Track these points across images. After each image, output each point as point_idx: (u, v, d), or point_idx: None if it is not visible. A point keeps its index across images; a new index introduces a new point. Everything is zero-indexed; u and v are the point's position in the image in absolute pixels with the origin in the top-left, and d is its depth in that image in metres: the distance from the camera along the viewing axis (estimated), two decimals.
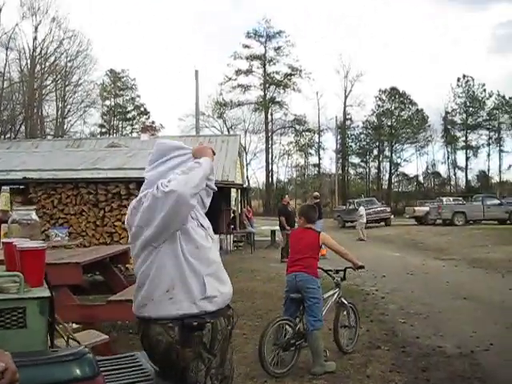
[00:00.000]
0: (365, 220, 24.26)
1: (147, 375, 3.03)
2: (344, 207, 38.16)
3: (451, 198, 36.01)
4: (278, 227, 17.08)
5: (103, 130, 62.44)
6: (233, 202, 23.98)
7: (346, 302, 6.10)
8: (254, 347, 6.06)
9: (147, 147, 19.07)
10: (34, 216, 2.85)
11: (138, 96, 65.13)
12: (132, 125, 65.36)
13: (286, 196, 19.71)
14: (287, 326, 5.45)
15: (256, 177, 63.78)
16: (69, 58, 48.57)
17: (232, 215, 22.32)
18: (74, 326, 5.78)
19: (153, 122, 62.39)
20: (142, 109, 65.29)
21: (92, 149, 22.75)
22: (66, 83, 50.22)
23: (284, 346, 5.39)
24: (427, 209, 32.95)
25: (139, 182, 12.70)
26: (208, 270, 2.75)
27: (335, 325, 5.92)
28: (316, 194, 18.72)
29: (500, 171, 62.06)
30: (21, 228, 2.72)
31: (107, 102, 63.15)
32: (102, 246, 11.20)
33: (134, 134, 52.88)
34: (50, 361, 1.57)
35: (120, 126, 65.60)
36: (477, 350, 5.96)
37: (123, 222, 13.04)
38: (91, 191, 12.88)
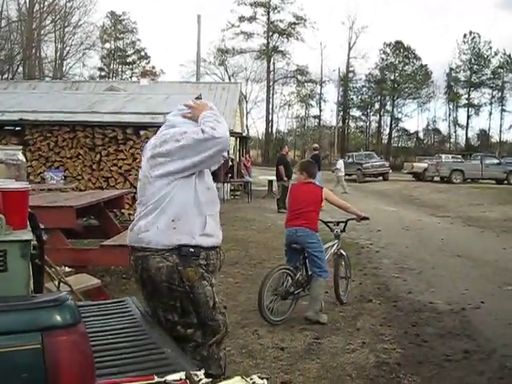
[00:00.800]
0: (343, 173, 23.99)
1: (135, 321, 3.01)
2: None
3: (450, 156, 35.90)
4: (275, 177, 17.03)
5: (102, 73, 61.59)
6: (231, 151, 23.85)
7: (344, 254, 6.17)
8: (247, 296, 6.09)
9: (146, 92, 18.84)
10: (20, 156, 2.76)
11: (139, 40, 64.04)
12: (132, 69, 64.49)
13: (286, 146, 19.53)
14: (288, 276, 5.51)
15: (256, 126, 63.42)
16: None
17: (230, 164, 22.23)
18: (67, 269, 5.75)
19: (153, 67, 61.58)
20: (143, 53, 64.29)
21: (90, 92, 22.45)
22: (66, 24, 49.14)
23: (283, 294, 5.44)
24: (426, 165, 32.87)
25: (136, 126, 12.61)
26: (211, 212, 3.05)
27: (335, 276, 5.98)
28: (315, 145, 18.61)
29: (500, 131, 61.79)
30: (6, 168, 2.63)
31: (107, 45, 62.07)
32: (98, 190, 11.14)
33: (134, 79, 52.10)
34: (28, 307, 1.52)
35: (120, 69, 64.73)
36: (468, 308, 5.99)
37: (119, 167, 13.07)
38: (88, 135, 12.73)
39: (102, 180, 12.69)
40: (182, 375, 2.03)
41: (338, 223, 6.22)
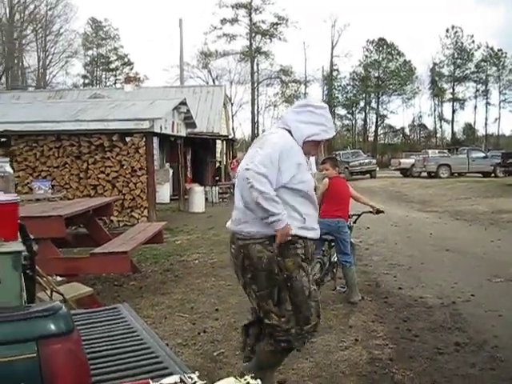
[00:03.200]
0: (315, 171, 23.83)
1: (130, 327, 3.03)
2: None
3: (436, 151, 36.12)
4: None
5: (86, 80, 61.38)
6: (218, 154, 23.87)
7: (353, 242, 6.71)
8: (239, 298, 6.10)
9: (131, 98, 18.80)
10: (8, 168, 2.78)
11: (122, 46, 63.85)
12: (115, 75, 64.26)
13: None
14: (318, 263, 6.08)
15: (242, 128, 63.43)
16: (49, 7, 47.27)
17: (217, 167, 22.26)
18: (58, 278, 5.76)
19: (137, 73, 61.35)
20: (126, 59, 64.09)
21: (74, 100, 22.38)
22: (47, 33, 48.95)
23: (318, 281, 5.77)
24: (412, 161, 33.09)
25: (122, 133, 12.60)
26: (306, 212, 3.34)
27: None
28: None
29: (486, 124, 62.21)
30: None
31: (90, 52, 61.86)
32: (86, 198, 11.12)
33: (118, 85, 51.91)
34: (22, 317, 1.54)
35: (103, 76, 64.52)
36: (458, 301, 6.05)
37: (107, 174, 13.07)
38: (74, 143, 12.73)
39: (89, 188, 12.68)
40: (176, 378, 2.06)
41: (349, 216, 6.55)
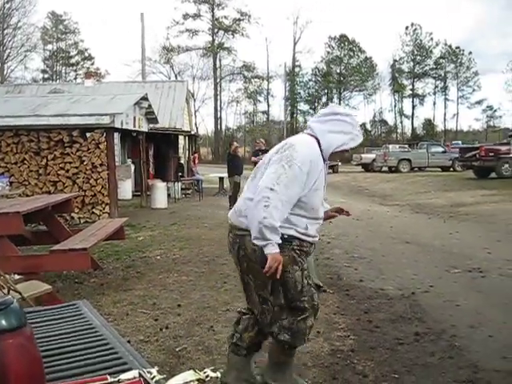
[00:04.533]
0: None
1: (89, 324, 2.99)
2: None
3: (397, 146, 36.64)
4: (226, 174, 17.01)
5: (46, 75, 60.38)
6: (181, 150, 23.72)
7: None
8: (201, 293, 6.10)
9: (91, 93, 18.54)
10: None
11: (82, 41, 63.02)
12: (76, 70, 63.39)
13: (234, 142, 18.90)
14: None
15: (205, 124, 63.30)
16: None
17: (180, 163, 22.12)
18: (17, 277, 5.64)
19: (98, 68, 60.63)
20: (86, 54, 63.29)
21: (33, 95, 21.96)
22: (5, 26, 47.92)
23: None
24: (374, 156, 33.50)
25: (83, 128, 12.41)
26: (310, 216, 3.28)
27: None
28: (258, 140, 18.30)
29: (445, 119, 63.51)
30: None
31: (49, 47, 60.90)
32: (45, 195, 10.93)
33: (79, 80, 51.22)
34: None
35: (63, 71, 63.50)
36: (417, 292, 6.15)
37: (67, 171, 12.85)
38: (33, 139, 12.49)
39: (49, 184, 12.47)
40: (135, 373, 2.05)
41: None
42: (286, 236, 3.14)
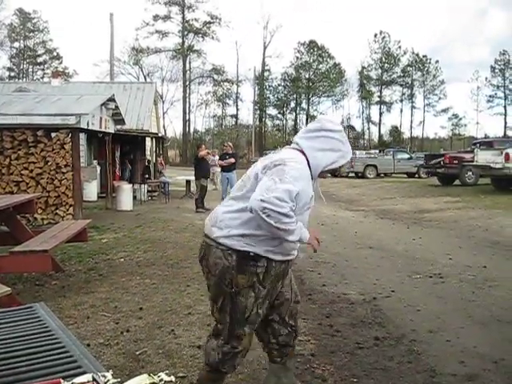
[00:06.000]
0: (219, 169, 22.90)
1: (44, 326, 2.94)
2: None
3: (364, 152, 37.05)
4: (193, 177, 16.95)
5: (12, 73, 59.42)
6: (148, 152, 23.57)
7: None
8: (163, 296, 6.07)
9: (58, 93, 18.27)
10: None
11: (51, 40, 62.24)
12: (43, 69, 62.59)
13: (202, 146, 18.59)
14: None
15: (173, 126, 63.12)
16: None
17: (146, 165, 21.97)
18: None
19: (65, 68, 59.92)
20: (55, 53, 62.47)
21: None
22: None
23: None
24: None
25: (47, 128, 12.23)
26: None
27: None
28: (225, 144, 18.18)
29: (411, 127, 64.51)
30: None
31: (16, 44, 59.94)
32: (7, 195, 10.73)
33: (46, 79, 50.46)
34: None
35: (30, 70, 62.58)
36: (379, 297, 6.22)
37: (31, 171, 12.63)
38: None
39: (12, 185, 12.25)
40: (89, 377, 2.02)
41: None
42: (251, 254, 3.00)
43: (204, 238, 3.19)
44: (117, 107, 16.07)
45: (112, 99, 15.37)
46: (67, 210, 12.35)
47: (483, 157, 19.64)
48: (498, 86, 63.60)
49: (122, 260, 8.24)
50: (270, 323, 3.38)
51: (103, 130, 14.98)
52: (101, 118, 14.52)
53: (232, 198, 3.17)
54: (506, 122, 63.88)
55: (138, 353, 4.39)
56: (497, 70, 63.45)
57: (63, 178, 12.31)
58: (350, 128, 64.64)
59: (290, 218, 2.84)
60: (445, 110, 64.30)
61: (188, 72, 61.42)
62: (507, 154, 18.18)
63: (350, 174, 32.02)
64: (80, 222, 8.50)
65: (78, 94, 15.86)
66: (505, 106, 63.53)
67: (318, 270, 7.75)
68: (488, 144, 23.33)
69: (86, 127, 12.91)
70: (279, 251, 3.08)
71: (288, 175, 2.88)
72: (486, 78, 63.51)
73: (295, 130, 62.83)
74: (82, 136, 15.67)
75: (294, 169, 2.95)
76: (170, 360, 4.27)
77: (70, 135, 12.34)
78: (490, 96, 64.01)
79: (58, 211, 12.31)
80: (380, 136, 64.14)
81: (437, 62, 63.09)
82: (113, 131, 16.42)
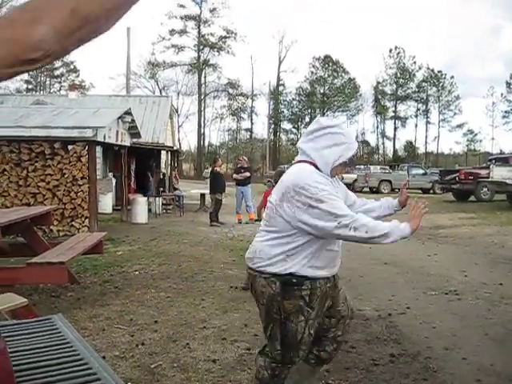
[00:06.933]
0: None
1: (63, 338, 2.97)
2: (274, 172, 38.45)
3: (378, 167, 36.97)
4: (207, 191, 16.99)
5: (29, 86, 60.10)
6: (163, 165, 23.70)
7: None
8: (178, 310, 6.08)
9: (75, 106, 18.47)
10: None
11: None
12: (60, 82, 63.27)
13: (219, 160, 18.37)
14: None
15: (188, 140, 63.38)
16: None
17: (161, 178, 22.09)
18: None
19: (82, 81, 60.56)
20: (72, 66, 63.16)
21: (16, 106, 21.81)
22: None
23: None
24: (355, 176, 33.70)
25: (64, 141, 12.36)
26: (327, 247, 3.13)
27: None
28: (240, 158, 18.19)
29: (426, 142, 64.27)
30: None
31: None
32: (24, 207, 10.83)
33: (63, 92, 51.02)
34: None
35: (47, 83, 63.27)
36: (394, 313, 6.19)
37: (47, 183, 12.74)
38: (14, 150, 12.40)
39: (29, 196, 12.37)
40: None
41: None
42: (294, 280, 3.01)
43: (248, 270, 3.24)
44: (133, 120, 16.22)
45: (128, 112, 15.51)
46: (83, 222, 12.44)
47: (499, 173, 19.54)
48: None
49: (137, 273, 8.27)
50: (321, 338, 3.41)
51: (119, 143, 15.11)
52: (117, 132, 14.65)
53: (263, 230, 3.20)
54: None
55: (153, 366, 4.40)
56: None
57: (79, 190, 12.42)
58: (365, 143, 64.56)
59: (368, 223, 2.96)
60: (460, 126, 64.08)
61: (203, 86, 61.82)
62: None
63: (365, 189, 31.94)
64: (96, 234, 8.56)
65: (95, 107, 16.03)
66: None
67: None
68: (503, 160, 23.20)
69: (102, 140, 13.03)
70: (322, 265, 3.08)
71: (314, 192, 2.92)
72: (502, 94, 63.22)
73: None
74: (98, 149, 15.80)
75: (312, 183, 2.95)
76: (185, 374, 4.27)
77: (86, 148, 12.46)
78: (506, 112, 63.67)
79: (73, 223, 12.41)
80: (395, 151, 63.97)
81: (452, 77, 63.01)
82: (128, 144, 16.55)
